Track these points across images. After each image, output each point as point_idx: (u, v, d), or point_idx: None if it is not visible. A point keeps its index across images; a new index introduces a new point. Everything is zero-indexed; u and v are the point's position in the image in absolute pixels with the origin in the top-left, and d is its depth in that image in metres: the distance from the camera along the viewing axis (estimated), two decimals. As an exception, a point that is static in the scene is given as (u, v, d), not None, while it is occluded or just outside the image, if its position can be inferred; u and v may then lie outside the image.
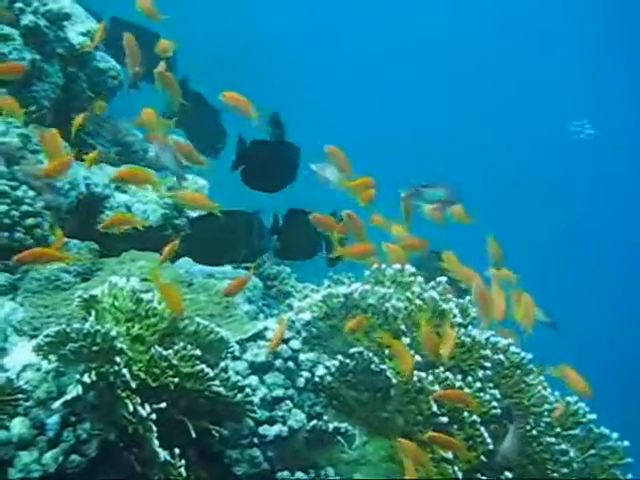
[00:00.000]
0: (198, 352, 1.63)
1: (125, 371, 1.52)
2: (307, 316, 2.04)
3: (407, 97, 12.46)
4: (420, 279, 2.13)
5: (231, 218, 2.22)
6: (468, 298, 2.13)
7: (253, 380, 1.83)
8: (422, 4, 13.05)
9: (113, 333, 1.55)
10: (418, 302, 2.03)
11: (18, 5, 2.34)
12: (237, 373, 1.82)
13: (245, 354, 1.88)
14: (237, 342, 1.90)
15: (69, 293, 1.83)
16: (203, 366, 1.62)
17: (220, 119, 2.86)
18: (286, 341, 1.97)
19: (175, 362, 1.60)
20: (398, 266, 2.16)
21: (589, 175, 12.58)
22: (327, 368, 1.91)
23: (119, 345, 1.55)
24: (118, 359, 1.52)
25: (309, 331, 2.04)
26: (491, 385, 1.93)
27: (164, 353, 1.60)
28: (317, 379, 1.92)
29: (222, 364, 1.69)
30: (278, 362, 1.90)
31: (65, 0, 2.43)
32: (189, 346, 1.63)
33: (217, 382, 1.63)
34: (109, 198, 2.37)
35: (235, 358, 1.87)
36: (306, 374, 1.93)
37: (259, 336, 1.95)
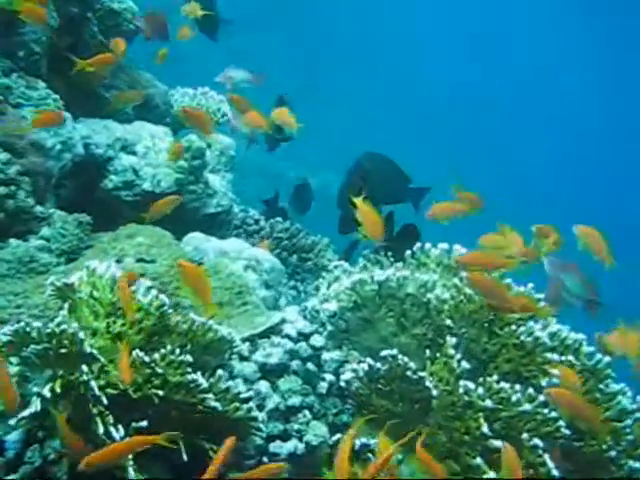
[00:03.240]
0: (189, 358, 1.32)
1: (94, 384, 1.22)
2: (333, 306, 1.70)
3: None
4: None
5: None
6: (530, 285, 1.76)
7: (263, 386, 1.52)
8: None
9: (81, 335, 1.25)
10: (468, 291, 1.66)
11: None
12: (244, 378, 1.51)
13: (255, 354, 1.57)
14: (247, 338, 1.59)
15: (46, 278, 1.53)
16: (194, 375, 1.31)
17: None
18: (307, 337, 1.65)
19: (160, 370, 1.30)
20: (445, 245, 1.79)
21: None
22: (354, 372, 1.58)
23: (88, 349, 1.25)
24: (85, 368, 1.23)
25: (336, 324, 1.71)
26: (557, 397, 1.56)
27: (146, 359, 1.29)
28: (343, 384, 1.60)
29: (219, 372, 1.37)
30: (295, 363, 1.58)
31: None
32: (177, 350, 1.32)
33: (211, 395, 1.32)
34: (113, 160, 2.07)
35: (243, 358, 1.56)
36: (330, 377, 1.61)
37: (273, 331, 1.64)
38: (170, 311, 1.39)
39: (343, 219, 2.26)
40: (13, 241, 1.59)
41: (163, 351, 1.32)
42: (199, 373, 1.33)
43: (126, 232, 1.76)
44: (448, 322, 1.62)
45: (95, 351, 1.25)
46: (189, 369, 1.32)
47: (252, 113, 1.98)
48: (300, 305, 1.82)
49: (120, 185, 2.05)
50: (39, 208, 1.73)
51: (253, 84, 2.19)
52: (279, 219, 2.72)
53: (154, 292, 1.38)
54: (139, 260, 1.66)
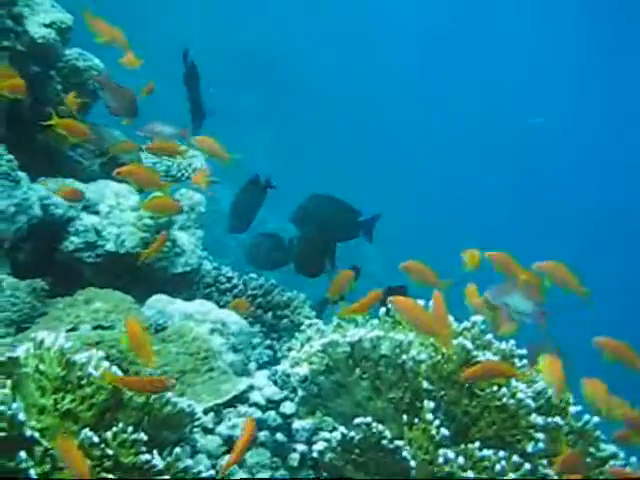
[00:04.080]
0: (142, 436, 1.21)
1: (32, 472, 1.11)
2: (304, 370, 1.60)
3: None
4: (449, 318, 1.67)
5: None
6: (512, 342, 1.67)
7: (228, 462, 1.40)
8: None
9: (21, 417, 1.14)
10: (446, 351, 1.57)
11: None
12: (208, 453, 1.40)
13: (220, 425, 1.46)
14: (211, 409, 1.48)
15: (-8, 351, 1.43)
16: (148, 455, 1.20)
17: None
18: (276, 404, 1.55)
19: (111, 451, 1.19)
20: (421, 302, 1.71)
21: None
22: (327, 441, 1.47)
23: (29, 432, 1.14)
24: (24, 454, 1.12)
25: (307, 389, 1.61)
26: (544, 463, 1.46)
27: (95, 439, 1.18)
28: (315, 454, 1.49)
29: (176, 450, 1.27)
30: (263, 434, 1.48)
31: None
32: (130, 427, 1.21)
33: (167, 477, 1.21)
34: (74, 221, 1.98)
35: (206, 431, 1.45)
36: (302, 447, 1.51)
37: (240, 399, 1.53)
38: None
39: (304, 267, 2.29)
40: (-43, 313, 1.50)
41: (115, 429, 1.21)
42: (155, 452, 1.23)
43: (83, 297, 1.67)
44: (425, 384, 1.53)
45: (37, 434, 1.15)
46: (143, 448, 1.21)
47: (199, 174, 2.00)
48: (270, 369, 1.72)
49: (81, 246, 1.96)
50: (-14, 284, 1.63)
51: (181, 138, 2.17)
52: (253, 275, 2.63)
53: (106, 364, 1.28)
54: (96, 327, 1.57)
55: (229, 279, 2.60)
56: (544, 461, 1.46)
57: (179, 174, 2.78)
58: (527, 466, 1.40)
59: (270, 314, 2.59)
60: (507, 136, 12.18)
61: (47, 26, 2.11)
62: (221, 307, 2.08)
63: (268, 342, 2.53)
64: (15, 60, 1.98)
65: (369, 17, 12.49)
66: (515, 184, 11.84)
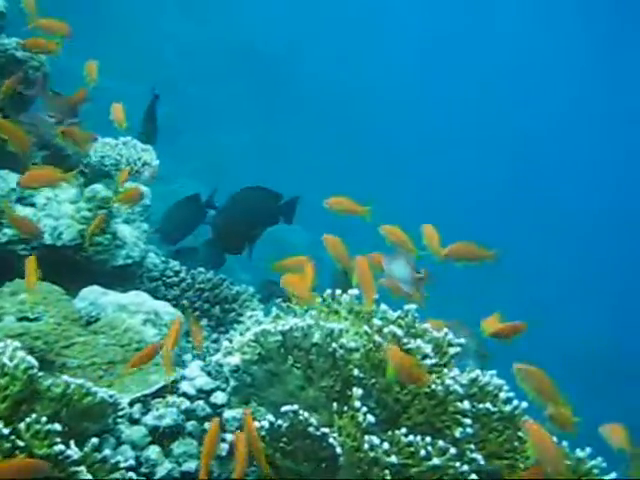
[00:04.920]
0: (57, 426, 1.19)
1: None
2: (236, 360, 1.59)
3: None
4: (383, 307, 1.67)
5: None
6: (445, 331, 1.67)
7: (153, 452, 1.39)
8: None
9: None
10: (378, 339, 1.57)
11: None
12: (132, 444, 1.39)
13: (146, 416, 1.44)
14: (139, 399, 1.46)
15: None
16: (62, 446, 1.18)
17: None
18: (208, 394, 1.53)
19: (23, 442, 1.17)
20: (355, 291, 1.70)
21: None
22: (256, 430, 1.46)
23: None
24: None
25: (240, 379, 1.60)
26: (472, 447, 1.46)
27: (5, 431, 1.16)
28: (245, 444, 1.47)
29: (93, 440, 1.25)
30: (191, 424, 1.46)
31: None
32: (44, 418, 1.19)
33: (83, 468, 1.19)
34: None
35: (133, 422, 1.43)
36: (231, 437, 1.49)
37: (171, 390, 1.52)
38: (40, 374, 1.26)
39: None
40: None
41: (28, 420, 1.19)
42: (72, 443, 1.21)
43: (10, 289, 1.64)
44: (355, 372, 1.52)
45: (-58, 425, 1.12)
46: (58, 439, 1.19)
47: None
48: (205, 360, 1.71)
49: (15, 239, 1.93)
50: None
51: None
52: (201, 269, 2.61)
53: (21, 354, 1.26)
54: (21, 319, 1.54)
55: (176, 273, 2.58)
56: (472, 446, 1.47)
57: (128, 168, 2.75)
58: (453, 450, 1.40)
59: (218, 308, 2.58)
60: (505, 135, 12.19)
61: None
62: (168, 301, 2.07)
63: (215, 336, 2.52)
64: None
65: (362, 11, 12.36)
66: (512, 183, 11.83)
